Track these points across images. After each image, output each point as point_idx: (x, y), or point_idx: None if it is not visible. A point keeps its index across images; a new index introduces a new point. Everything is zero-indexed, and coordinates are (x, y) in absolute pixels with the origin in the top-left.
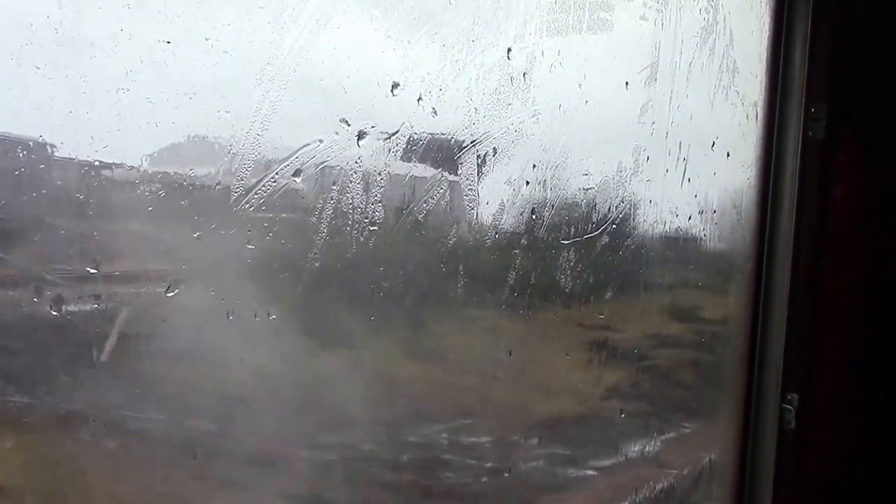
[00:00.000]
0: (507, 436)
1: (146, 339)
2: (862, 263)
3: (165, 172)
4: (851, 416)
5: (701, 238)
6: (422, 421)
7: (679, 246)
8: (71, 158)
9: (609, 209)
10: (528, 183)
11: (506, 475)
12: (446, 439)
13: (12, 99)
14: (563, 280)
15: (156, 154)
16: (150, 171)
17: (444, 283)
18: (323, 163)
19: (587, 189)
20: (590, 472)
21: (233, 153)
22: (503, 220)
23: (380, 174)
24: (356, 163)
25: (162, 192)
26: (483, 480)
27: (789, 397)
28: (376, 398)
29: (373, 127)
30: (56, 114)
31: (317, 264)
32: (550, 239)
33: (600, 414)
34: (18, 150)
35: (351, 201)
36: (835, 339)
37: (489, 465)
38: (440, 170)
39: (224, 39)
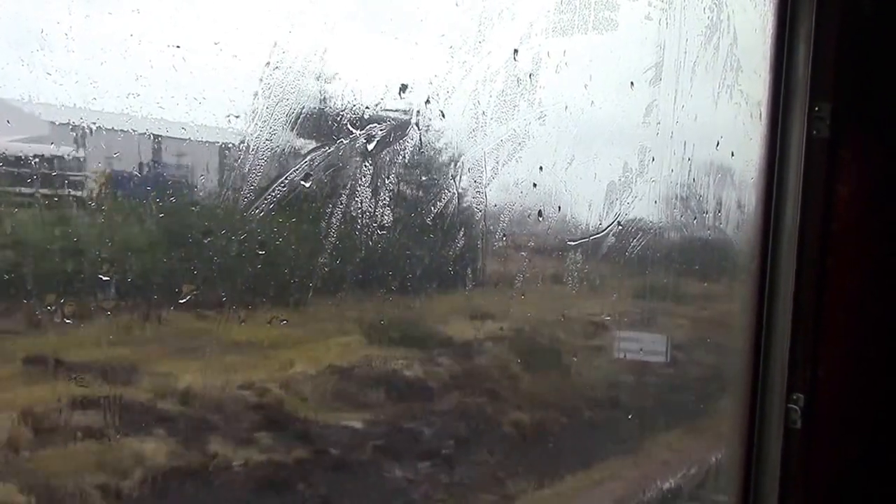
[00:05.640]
0: None
1: None
2: (868, 262)
3: (175, 177)
4: (857, 416)
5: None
6: None
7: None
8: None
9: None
10: (535, 185)
11: None
12: None
13: (24, 105)
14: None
15: (165, 159)
16: (159, 177)
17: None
18: (332, 166)
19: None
20: None
21: (242, 158)
22: None
23: (389, 177)
24: (366, 166)
25: (173, 199)
26: None
27: (795, 397)
28: None
29: (382, 130)
30: (67, 120)
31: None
32: None
33: None
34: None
35: (360, 204)
36: (840, 339)
37: None
38: (449, 172)
39: (233, 43)
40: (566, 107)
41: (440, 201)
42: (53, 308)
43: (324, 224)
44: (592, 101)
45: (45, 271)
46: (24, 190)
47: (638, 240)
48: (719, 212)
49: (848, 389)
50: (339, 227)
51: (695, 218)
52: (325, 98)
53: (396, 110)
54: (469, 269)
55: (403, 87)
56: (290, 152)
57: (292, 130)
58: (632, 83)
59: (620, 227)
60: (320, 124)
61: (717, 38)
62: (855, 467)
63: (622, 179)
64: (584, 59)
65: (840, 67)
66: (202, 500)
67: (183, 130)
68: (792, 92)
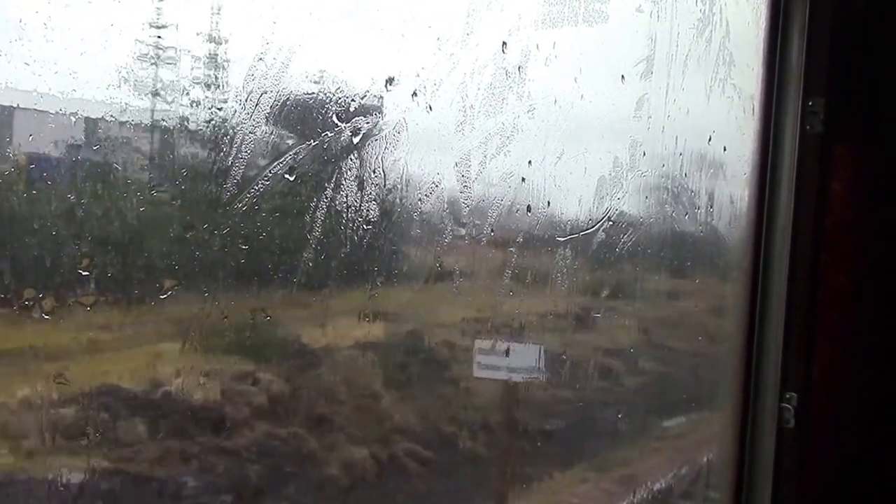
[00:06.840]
0: None
1: None
2: (862, 259)
3: (159, 171)
4: (852, 415)
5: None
6: None
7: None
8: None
9: None
10: (523, 179)
11: None
12: None
13: (2, 96)
14: None
15: (159, 152)
16: (144, 170)
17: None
18: (317, 159)
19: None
20: None
21: (226, 150)
22: None
23: (374, 171)
24: (351, 159)
25: (154, 193)
26: None
27: (788, 396)
28: None
29: (367, 123)
30: (46, 111)
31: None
32: None
33: None
34: None
35: (346, 199)
36: (834, 337)
37: None
38: (436, 166)
39: (216, 34)
40: (555, 100)
41: (427, 196)
42: None
43: (308, 217)
44: (582, 95)
45: None
46: None
47: (628, 236)
48: (711, 207)
49: (842, 388)
50: (323, 221)
51: (686, 213)
52: (310, 90)
53: (381, 98)
54: (404, 263)
55: (390, 80)
56: (274, 145)
57: (276, 123)
58: (623, 76)
59: (611, 223)
60: (305, 117)
61: (710, 31)
62: (849, 466)
63: (612, 174)
64: (574, 51)
65: (834, 62)
66: None
67: (164, 122)
68: (785, 86)
